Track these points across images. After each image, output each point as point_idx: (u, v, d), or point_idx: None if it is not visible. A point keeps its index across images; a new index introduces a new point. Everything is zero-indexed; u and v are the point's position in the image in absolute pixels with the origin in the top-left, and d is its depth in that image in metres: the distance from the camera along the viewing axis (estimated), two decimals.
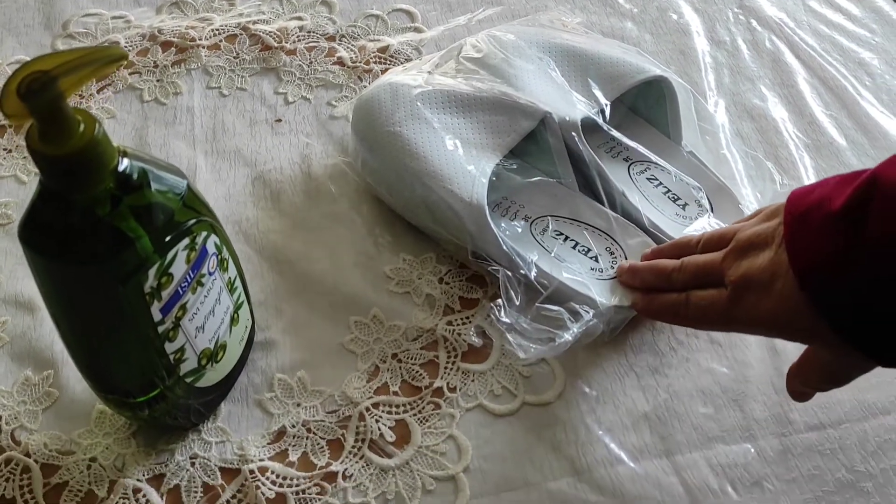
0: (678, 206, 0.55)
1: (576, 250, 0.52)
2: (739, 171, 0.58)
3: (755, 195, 0.56)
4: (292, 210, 0.58)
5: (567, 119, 0.54)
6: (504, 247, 0.50)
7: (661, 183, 0.56)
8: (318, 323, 0.53)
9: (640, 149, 0.56)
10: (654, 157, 0.56)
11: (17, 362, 0.51)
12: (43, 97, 0.32)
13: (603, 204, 0.54)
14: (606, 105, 0.56)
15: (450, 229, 0.52)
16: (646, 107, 0.60)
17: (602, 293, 0.50)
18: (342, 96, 0.64)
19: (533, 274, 0.50)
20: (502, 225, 0.54)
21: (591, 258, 0.52)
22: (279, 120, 0.63)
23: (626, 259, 0.52)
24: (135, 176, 0.37)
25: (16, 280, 0.55)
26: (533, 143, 0.55)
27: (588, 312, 0.49)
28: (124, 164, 0.36)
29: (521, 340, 0.49)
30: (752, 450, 0.47)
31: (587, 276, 0.51)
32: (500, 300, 0.50)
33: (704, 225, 0.53)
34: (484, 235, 0.51)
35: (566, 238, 0.53)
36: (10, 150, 0.61)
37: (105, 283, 0.37)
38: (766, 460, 0.47)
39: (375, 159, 0.55)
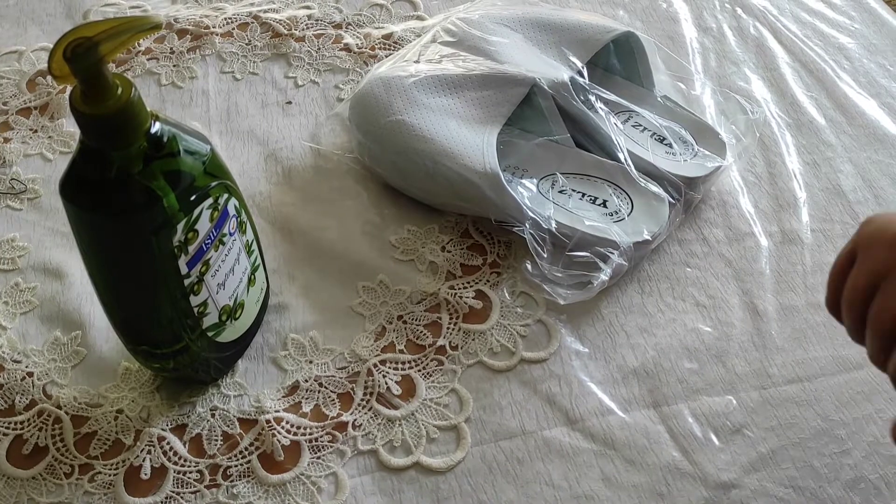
0: (665, 145, 0.60)
1: (584, 200, 0.57)
2: (711, 107, 0.64)
3: (730, 127, 0.62)
4: (302, 185, 0.62)
5: (556, 80, 0.58)
6: (524, 207, 0.54)
7: (645, 128, 0.61)
8: (328, 288, 0.56)
9: (622, 101, 0.61)
10: (634, 107, 0.61)
11: (46, 324, 0.54)
12: (86, 61, 0.35)
13: (598, 155, 0.58)
14: (583, 67, 0.60)
15: (471, 200, 0.56)
16: (619, 64, 0.64)
17: (621, 234, 0.54)
18: (349, 80, 0.68)
19: (554, 227, 0.54)
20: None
21: (599, 205, 0.56)
22: (289, 102, 0.67)
23: (630, 200, 0.56)
24: (165, 138, 0.40)
25: (44, 249, 0.58)
26: (526, 109, 0.59)
27: (613, 253, 0.53)
28: (156, 126, 0.40)
29: (558, 288, 0.53)
30: (734, 401, 0.51)
31: (603, 221, 0.55)
32: (526, 260, 0.55)
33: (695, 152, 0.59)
34: (503, 200, 0.54)
35: (573, 191, 0.57)
36: (36, 131, 0.65)
37: (138, 235, 0.40)
38: (747, 410, 0.50)
39: (383, 150, 0.59)
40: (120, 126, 0.38)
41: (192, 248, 0.43)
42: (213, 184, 0.43)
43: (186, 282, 0.43)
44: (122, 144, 0.38)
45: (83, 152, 0.39)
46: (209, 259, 0.44)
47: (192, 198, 0.42)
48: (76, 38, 0.35)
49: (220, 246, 0.45)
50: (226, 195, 0.45)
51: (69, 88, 0.66)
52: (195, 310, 0.45)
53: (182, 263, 0.42)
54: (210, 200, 0.43)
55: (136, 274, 0.43)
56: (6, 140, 0.64)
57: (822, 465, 0.48)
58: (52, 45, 0.69)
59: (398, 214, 0.59)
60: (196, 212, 0.42)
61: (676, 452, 0.49)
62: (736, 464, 0.48)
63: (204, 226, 0.43)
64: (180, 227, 0.41)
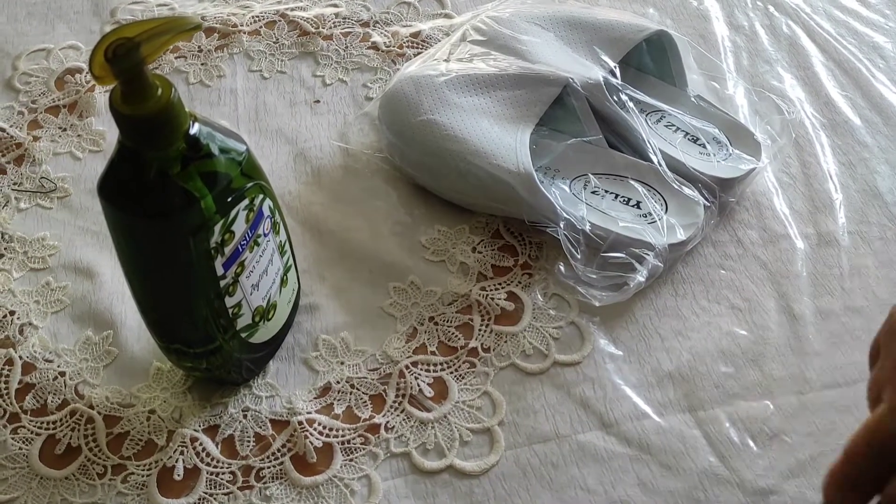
0: (699, 145, 0.59)
1: (617, 201, 0.56)
2: (745, 106, 0.63)
3: (765, 127, 0.61)
4: (332, 184, 0.61)
5: (589, 80, 0.57)
6: (558, 208, 0.54)
7: (678, 128, 0.60)
8: (358, 288, 0.56)
9: (654, 101, 0.60)
10: (667, 107, 0.60)
11: (78, 323, 0.54)
12: (127, 61, 0.35)
13: (631, 156, 0.58)
14: (615, 67, 0.59)
15: (503, 201, 0.55)
16: (652, 63, 0.63)
17: (655, 236, 0.53)
18: (377, 78, 0.68)
19: (588, 228, 0.54)
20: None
21: (632, 206, 0.56)
22: (318, 101, 0.66)
23: (664, 202, 0.55)
24: (203, 139, 0.40)
25: (74, 249, 0.58)
26: (558, 109, 0.59)
27: (649, 254, 0.52)
28: (195, 128, 0.39)
29: (592, 290, 0.52)
30: (772, 406, 0.50)
31: (637, 223, 0.55)
32: (559, 262, 0.54)
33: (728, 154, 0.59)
34: (537, 200, 0.54)
35: (606, 192, 0.56)
36: (65, 129, 0.65)
37: (176, 237, 0.40)
38: (785, 415, 0.50)
39: (414, 150, 0.58)
40: (159, 127, 0.38)
41: (228, 250, 0.42)
42: (249, 185, 0.43)
43: (222, 283, 0.43)
44: (161, 145, 0.38)
45: (121, 153, 0.39)
46: (244, 260, 0.44)
47: (229, 199, 0.42)
48: (118, 38, 0.35)
49: (255, 247, 0.45)
50: (261, 196, 0.44)
51: (98, 88, 0.67)
52: (230, 311, 0.45)
53: (218, 265, 0.42)
54: (246, 201, 0.43)
55: (173, 275, 0.43)
56: (35, 138, 0.64)
57: None
58: (79, 43, 0.70)
59: (428, 214, 0.59)
60: (232, 213, 0.42)
61: (713, 458, 0.48)
62: (774, 470, 0.48)
63: (240, 227, 0.43)
64: (217, 228, 0.41)
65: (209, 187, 0.40)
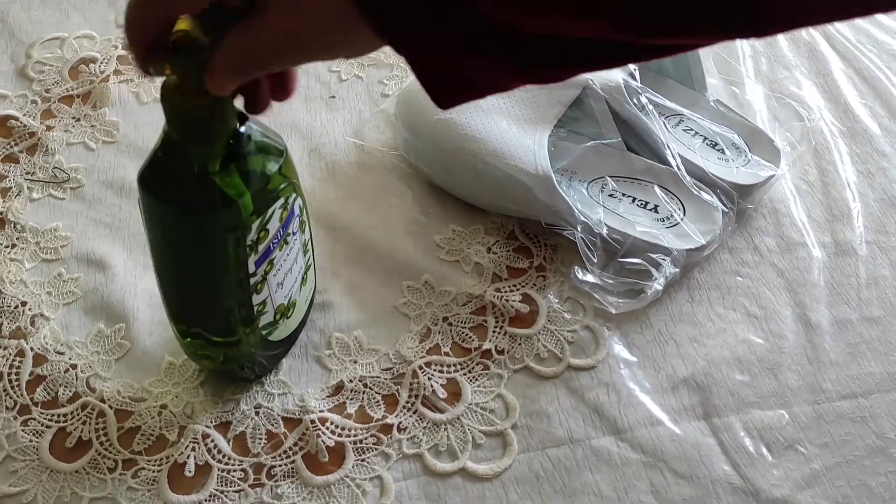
0: (718, 150, 0.59)
1: (635, 204, 0.56)
2: (763, 112, 0.62)
3: (784, 134, 0.60)
4: (346, 181, 0.61)
5: (609, 83, 0.57)
6: (575, 211, 0.53)
7: (696, 132, 0.60)
8: (372, 287, 0.55)
9: (673, 105, 0.60)
10: (686, 111, 0.60)
11: (90, 316, 0.54)
12: (189, 55, 0.34)
13: (649, 159, 0.57)
14: (635, 69, 0.59)
15: (520, 202, 0.55)
16: (671, 66, 0.63)
17: (673, 241, 0.53)
18: (393, 75, 0.67)
19: (605, 232, 0.53)
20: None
21: (650, 210, 0.55)
22: (333, 97, 0.66)
23: (682, 206, 0.55)
24: (247, 136, 0.39)
25: (87, 240, 0.58)
26: (576, 111, 0.58)
27: (665, 259, 0.52)
28: (242, 124, 0.39)
29: (608, 297, 0.52)
30: (787, 415, 0.50)
31: (655, 227, 0.54)
32: (574, 266, 0.54)
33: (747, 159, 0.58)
34: (555, 202, 0.54)
35: (624, 195, 0.56)
36: (79, 119, 0.64)
37: (215, 233, 0.40)
38: (800, 426, 0.49)
39: (431, 149, 0.58)
40: (210, 122, 0.37)
41: (261, 248, 0.42)
42: (284, 184, 0.43)
43: (252, 280, 0.43)
44: (208, 140, 0.38)
45: (165, 146, 0.38)
46: (274, 258, 0.44)
47: (267, 198, 0.41)
48: (178, 31, 0.34)
49: (285, 245, 0.44)
50: (293, 194, 0.44)
51: (112, 78, 0.66)
52: (255, 308, 0.44)
53: (251, 262, 0.42)
54: (281, 200, 0.42)
55: (205, 270, 0.42)
56: (49, 128, 0.64)
57: (877, 484, 0.47)
58: (94, 33, 0.70)
59: (443, 214, 0.59)
60: (269, 212, 0.41)
61: (728, 466, 0.48)
62: (789, 480, 0.47)
63: (274, 225, 0.42)
64: (255, 226, 0.41)
65: (249, 185, 0.40)
